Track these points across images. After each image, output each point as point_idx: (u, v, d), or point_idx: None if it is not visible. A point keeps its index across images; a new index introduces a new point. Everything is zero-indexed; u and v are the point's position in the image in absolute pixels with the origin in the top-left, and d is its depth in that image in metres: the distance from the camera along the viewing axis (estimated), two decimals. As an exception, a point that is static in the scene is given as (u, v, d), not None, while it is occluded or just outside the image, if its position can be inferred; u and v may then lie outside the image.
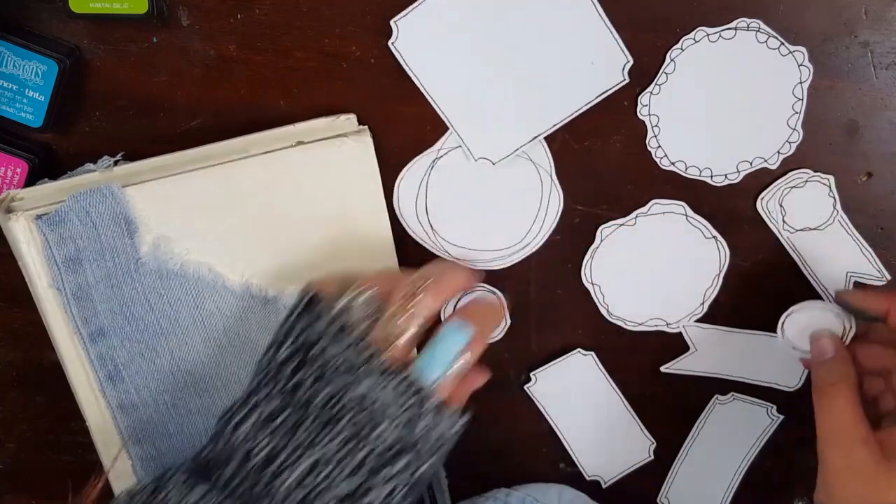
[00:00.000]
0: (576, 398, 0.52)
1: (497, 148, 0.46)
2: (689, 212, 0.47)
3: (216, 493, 0.37)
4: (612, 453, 0.54)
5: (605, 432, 0.53)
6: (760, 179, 0.46)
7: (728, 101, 0.45)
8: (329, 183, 0.44)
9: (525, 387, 0.51)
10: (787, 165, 0.46)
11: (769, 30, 0.43)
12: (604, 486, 0.54)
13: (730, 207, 0.47)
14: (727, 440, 0.52)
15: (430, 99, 0.44)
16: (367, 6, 0.43)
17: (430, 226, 0.47)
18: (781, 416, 0.51)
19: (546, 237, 0.48)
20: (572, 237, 0.48)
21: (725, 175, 0.46)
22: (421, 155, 0.46)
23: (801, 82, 0.44)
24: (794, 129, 0.45)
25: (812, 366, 0.44)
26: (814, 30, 0.43)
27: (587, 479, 0.54)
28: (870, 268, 0.47)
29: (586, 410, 0.52)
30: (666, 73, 0.44)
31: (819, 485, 0.41)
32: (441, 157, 0.46)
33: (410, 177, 0.47)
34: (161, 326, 0.45)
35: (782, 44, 0.43)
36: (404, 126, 0.46)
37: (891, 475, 0.38)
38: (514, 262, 0.49)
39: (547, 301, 0.50)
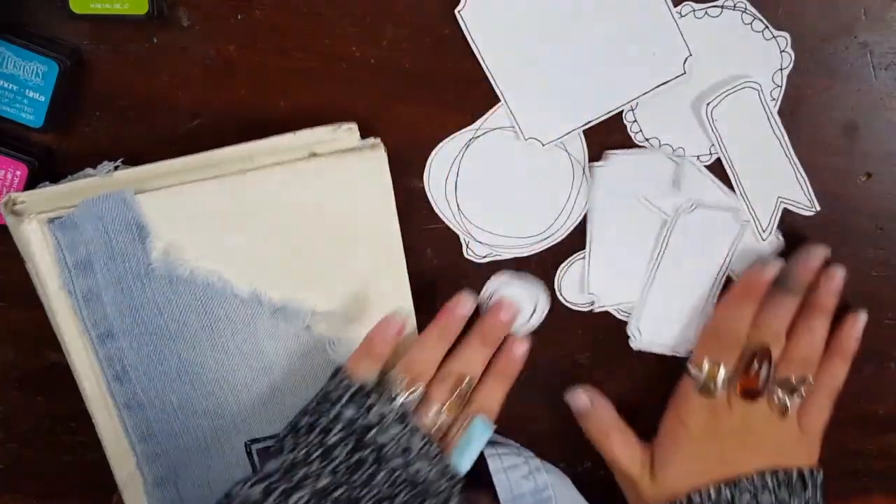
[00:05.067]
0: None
1: (548, 129, 0.45)
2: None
3: None
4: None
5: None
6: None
7: (709, 80, 0.45)
8: (342, 196, 0.45)
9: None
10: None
11: (755, 11, 0.43)
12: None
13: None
14: (698, 251, 0.49)
15: (487, 72, 0.44)
16: (367, 6, 0.43)
17: (458, 205, 0.47)
18: (748, 220, 0.48)
19: (570, 229, 0.48)
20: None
21: (698, 156, 0.46)
22: (460, 131, 0.46)
23: (781, 69, 0.44)
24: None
25: (580, 420, 0.50)
26: (813, 30, 0.43)
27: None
28: (801, 196, 0.47)
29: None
30: None
31: None
32: (478, 136, 0.46)
33: (444, 154, 0.46)
34: (169, 330, 0.45)
35: (767, 27, 0.43)
36: (403, 126, 0.46)
37: (653, 485, 0.47)
38: (533, 252, 0.48)
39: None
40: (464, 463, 0.45)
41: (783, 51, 0.43)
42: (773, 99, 0.45)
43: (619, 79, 0.44)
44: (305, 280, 0.46)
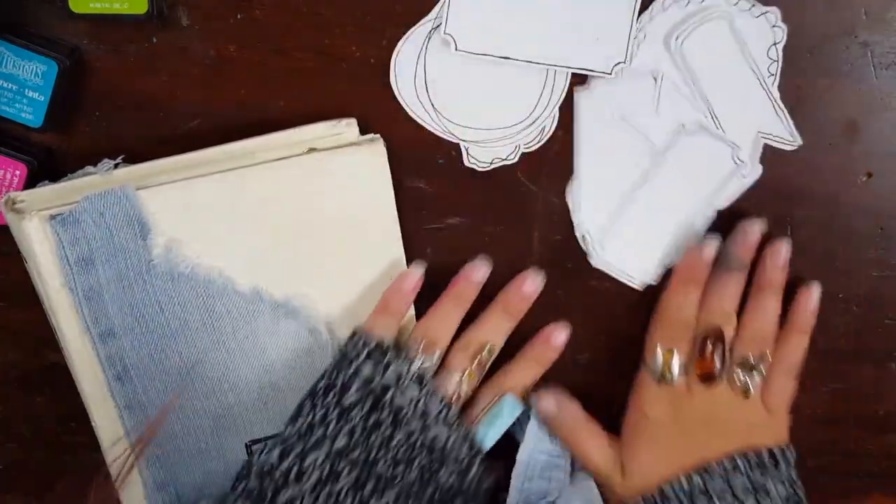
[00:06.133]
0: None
1: (468, 40, 0.44)
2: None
3: None
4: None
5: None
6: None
7: (704, 65, 0.44)
8: (341, 191, 0.45)
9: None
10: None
11: (738, -10, 0.43)
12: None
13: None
14: (685, 180, 0.47)
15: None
16: (367, 7, 0.43)
17: (432, 104, 0.45)
18: (743, 162, 0.46)
19: (556, 106, 0.46)
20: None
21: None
22: (419, 24, 0.44)
23: (775, 43, 0.43)
24: (771, 90, 0.44)
25: (548, 423, 0.48)
26: (813, 30, 0.43)
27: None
28: (781, 129, 0.45)
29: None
30: (637, 42, 0.44)
31: None
32: (439, 26, 0.44)
33: (407, 50, 0.44)
34: (170, 328, 0.45)
35: (754, 4, 0.43)
36: (404, 127, 0.46)
37: (624, 481, 0.46)
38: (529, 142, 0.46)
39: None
40: (488, 437, 0.45)
41: (774, 26, 0.43)
42: (772, 75, 0.44)
43: (554, 39, 0.44)
44: (306, 275, 0.46)
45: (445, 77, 0.45)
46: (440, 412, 0.44)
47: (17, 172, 0.45)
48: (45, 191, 0.43)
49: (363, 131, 0.45)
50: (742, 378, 0.45)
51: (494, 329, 0.47)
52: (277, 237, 0.45)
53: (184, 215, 0.44)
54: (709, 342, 0.45)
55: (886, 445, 0.53)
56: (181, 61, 0.44)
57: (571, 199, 0.47)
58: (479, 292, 0.47)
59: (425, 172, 0.47)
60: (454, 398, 0.45)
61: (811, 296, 0.47)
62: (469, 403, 0.47)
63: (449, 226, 0.48)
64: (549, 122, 0.46)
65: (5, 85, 0.43)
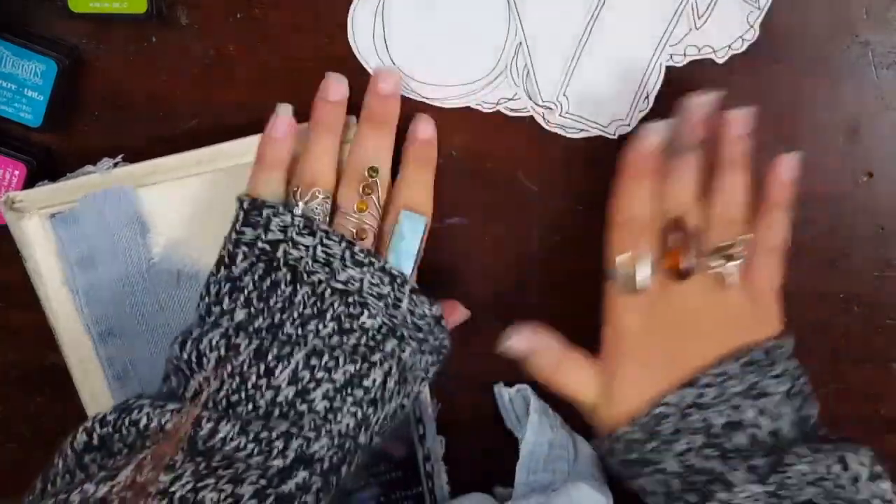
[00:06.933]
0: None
1: None
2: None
3: (191, 407, 0.36)
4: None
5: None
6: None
7: None
8: None
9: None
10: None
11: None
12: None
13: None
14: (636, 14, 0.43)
15: None
16: (367, 6, 0.43)
17: (392, 60, 0.44)
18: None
19: (518, 57, 0.44)
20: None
21: (671, 55, 0.43)
22: None
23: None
24: (752, 27, 0.42)
25: (525, 365, 0.43)
26: (814, 29, 0.43)
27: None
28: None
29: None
30: None
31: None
32: None
33: (365, 3, 0.43)
34: (171, 328, 0.45)
35: None
36: (404, 126, 0.46)
37: (611, 407, 0.41)
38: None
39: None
40: (401, 261, 0.41)
41: None
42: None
43: None
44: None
45: (404, 31, 0.43)
46: (343, 253, 0.39)
47: (16, 172, 0.45)
48: (45, 190, 0.43)
49: (362, 130, 0.45)
50: (715, 266, 0.40)
51: (370, 148, 0.42)
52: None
53: (184, 214, 0.44)
54: (669, 236, 0.40)
55: (886, 445, 0.53)
56: (180, 61, 0.44)
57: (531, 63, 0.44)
58: (345, 110, 0.43)
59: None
60: (356, 235, 0.40)
61: (784, 164, 0.41)
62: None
63: (449, 226, 0.48)
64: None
65: (4, 84, 0.43)
